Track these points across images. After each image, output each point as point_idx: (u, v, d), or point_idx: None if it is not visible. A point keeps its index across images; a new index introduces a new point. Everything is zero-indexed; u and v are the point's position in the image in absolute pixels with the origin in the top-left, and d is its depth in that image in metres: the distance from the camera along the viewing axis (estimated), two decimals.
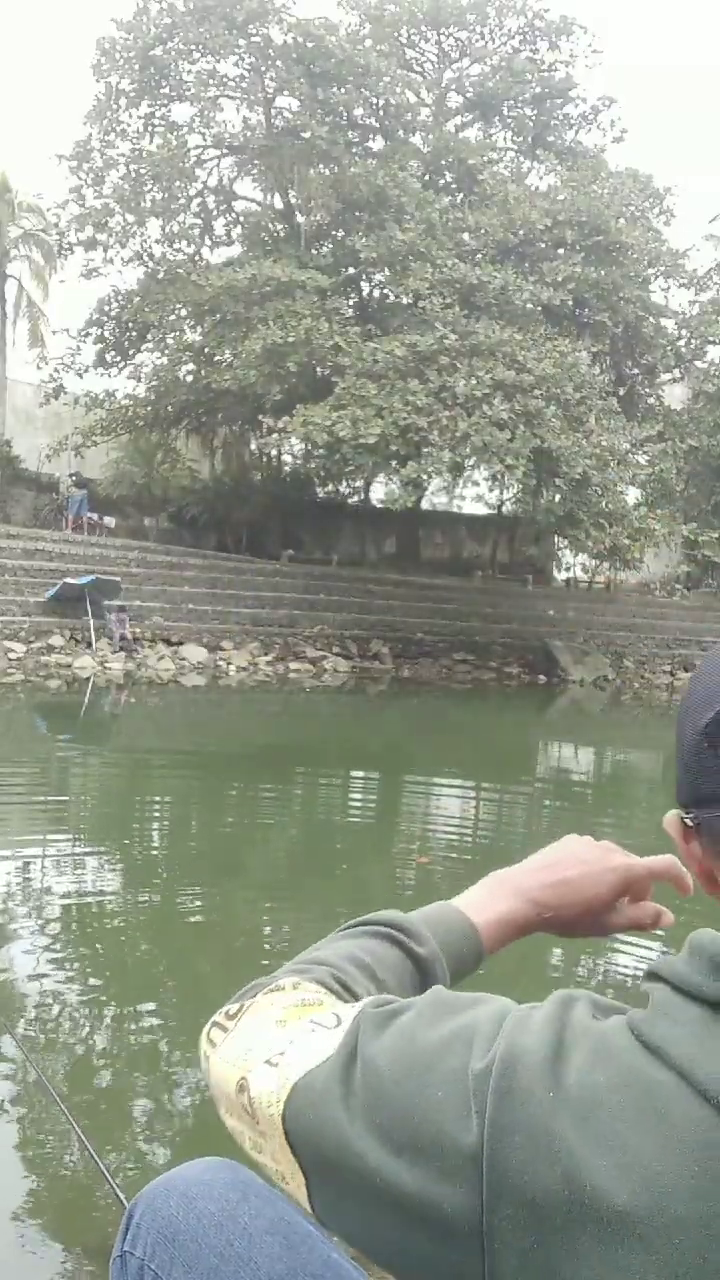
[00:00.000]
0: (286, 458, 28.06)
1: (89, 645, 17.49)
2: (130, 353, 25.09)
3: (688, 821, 0.75)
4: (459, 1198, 0.65)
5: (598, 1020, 0.69)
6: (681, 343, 25.65)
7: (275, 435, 20.25)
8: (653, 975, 0.70)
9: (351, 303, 22.49)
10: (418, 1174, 0.67)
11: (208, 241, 25.47)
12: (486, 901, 0.99)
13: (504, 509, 30.33)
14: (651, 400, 26.02)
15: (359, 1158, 0.70)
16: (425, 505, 28.67)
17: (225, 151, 24.60)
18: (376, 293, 24.74)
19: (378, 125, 24.03)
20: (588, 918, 1.00)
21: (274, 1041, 0.78)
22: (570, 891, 0.99)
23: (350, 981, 0.84)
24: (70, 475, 23.97)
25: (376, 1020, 0.74)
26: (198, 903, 5.01)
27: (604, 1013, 0.71)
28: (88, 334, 24.42)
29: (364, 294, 24.42)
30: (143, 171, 22.56)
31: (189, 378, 24.04)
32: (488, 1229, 0.65)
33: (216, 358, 22.78)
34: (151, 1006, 3.63)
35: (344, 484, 27.53)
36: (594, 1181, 0.62)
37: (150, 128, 23.35)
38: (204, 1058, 0.84)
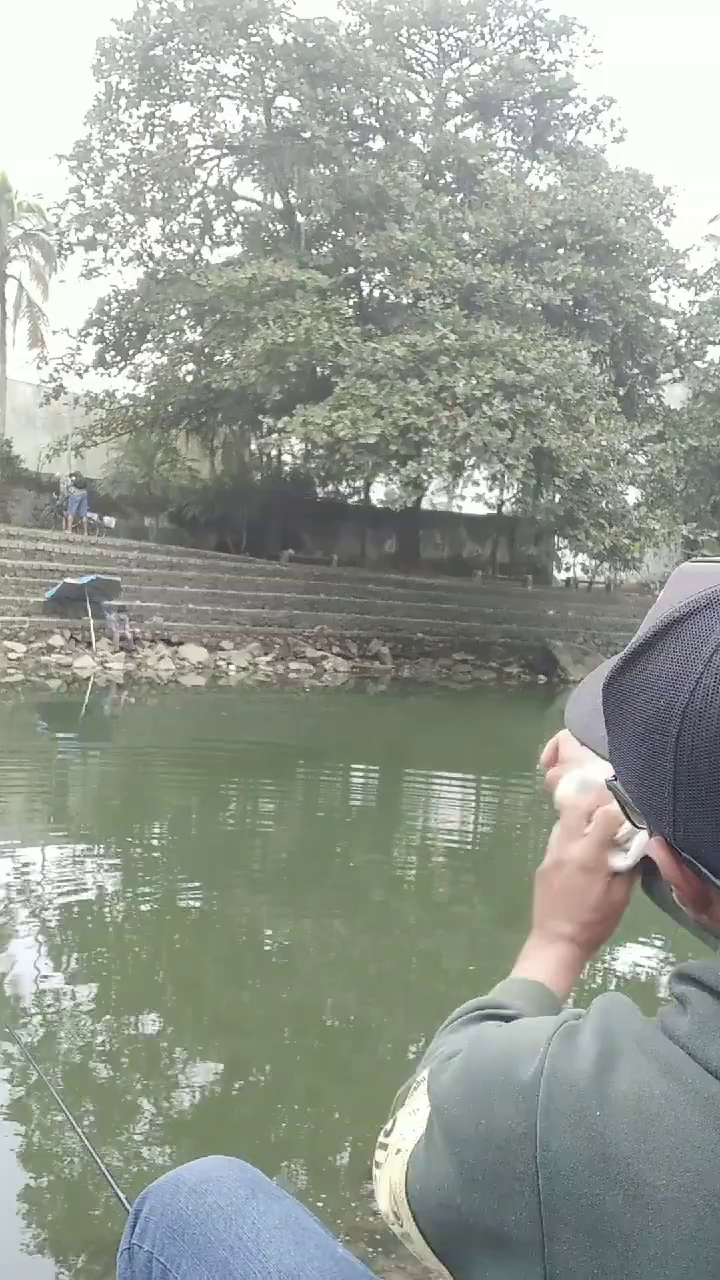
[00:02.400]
0: (286, 458, 28.07)
1: (89, 645, 17.48)
2: (130, 353, 25.09)
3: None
4: (522, 1221, 0.63)
5: (644, 1023, 0.66)
6: (681, 343, 25.64)
7: (275, 435, 20.25)
8: (686, 978, 0.66)
9: (351, 303, 22.47)
10: (489, 1201, 0.65)
11: (208, 241, 25.48)
12: (536, 957, 0.94)
13: (504, 509, 30.33)
14: (651, 400, 26.01)
15: (454, 1208, 0.68)
16: (425, 505, 28.66)
17: (225, 151, 24.60)
18: (376, 293, 24.75)
19: (378, 125, 24.02)
20: (615, 916, 0.95)
21: (398, 1136, 0.78)
22: (577, 905, 0.93)
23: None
24: (70, 475, 23.97)
25: (438, 1070, 0.74)
26: (199, 901, 5.01)
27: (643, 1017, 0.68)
28: (88, 334, 24.42)
29: (364, 294, 24.43)
30: (143, 171, 22.56)
31: (189, 378, 24.05)
32: (548, 1255, 0.62)
33: (216, 358, 22.79)
34: (153, 1007, 3.63)
35: (344, 484, 27.53)
36: (657, 1200, 0.59)
37: (150, 128, 23.33)
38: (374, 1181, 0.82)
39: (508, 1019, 0.83)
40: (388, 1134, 0.80)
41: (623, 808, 0.74)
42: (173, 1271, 0.97)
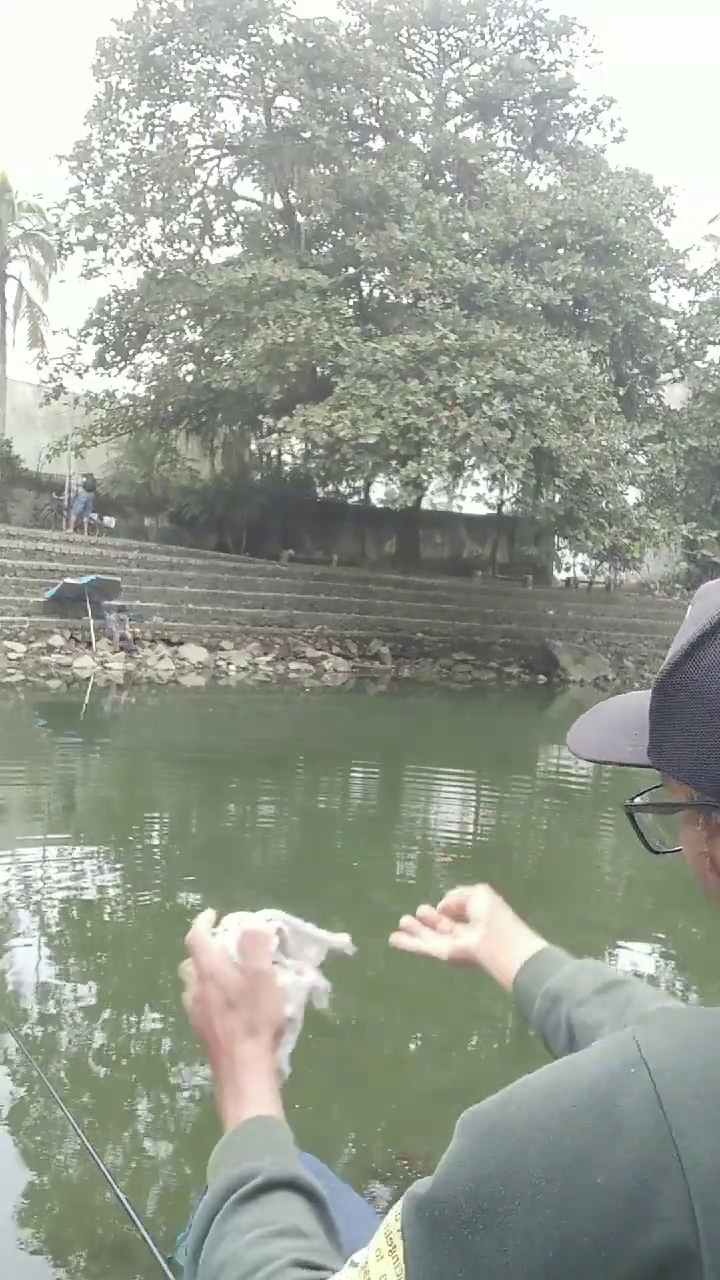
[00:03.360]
0: (286, 458, 28.06)
1: (89, 645, 17.47)
2: (130, 353, 25.08)
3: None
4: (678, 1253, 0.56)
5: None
6: (681, 343, 25.67)
7: (275, 435, 20.23)
8: None
9: (351, 303, 22.48)
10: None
11: (208, 241, 25.49)
12: (235, 1082, 0.94)
13: (504, 509, 30.32)
14: (651, 400, 26.03)
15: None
16: (425, 505, 28.66)
17: (225, 151, 24.60)
18: (376, 293, 24.75)
19: (378, 125, 24.02)
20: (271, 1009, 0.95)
21: None
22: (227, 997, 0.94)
23: (309, 1249, 0.73)
24: (82, 476, 23.95)
25: (420, 1193, 0.63)
26: (199, 902, 5.01)
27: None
28: (88, 334, 24.42)
29: (364, 294, 24.42)
30: (143, 171, 22.56)
31: (189, 378, 24.03)
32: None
33: (216, 358, 22.78)
34: (153, 1007, 3.63)
35: (344, 484, 27.53)
36: None
37: (150, 128, 23.33)
38: None
39: (244, 1179, 0.77)
40: None
41: (640, 838, 0.75)
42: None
